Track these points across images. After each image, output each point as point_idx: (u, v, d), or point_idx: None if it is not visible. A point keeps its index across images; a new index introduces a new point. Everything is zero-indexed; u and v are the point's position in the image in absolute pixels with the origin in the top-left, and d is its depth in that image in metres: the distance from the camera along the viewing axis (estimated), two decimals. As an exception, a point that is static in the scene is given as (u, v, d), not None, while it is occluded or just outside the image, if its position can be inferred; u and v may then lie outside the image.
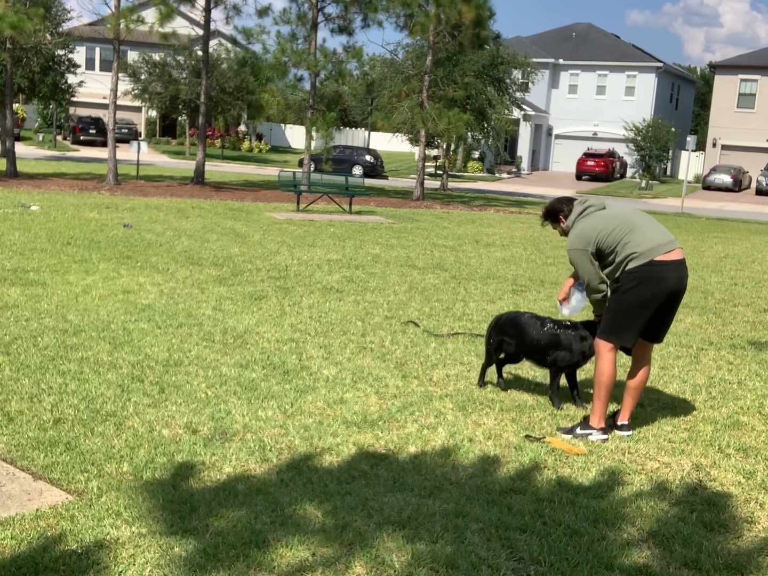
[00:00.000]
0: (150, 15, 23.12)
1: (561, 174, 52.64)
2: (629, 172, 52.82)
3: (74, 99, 38.38)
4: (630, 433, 5.05)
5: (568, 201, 5.17)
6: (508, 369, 6.38)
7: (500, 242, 15.92)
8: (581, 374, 5.76)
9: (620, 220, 4.92)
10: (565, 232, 5.14)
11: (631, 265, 4.79)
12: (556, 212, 5.16)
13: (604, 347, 4.92)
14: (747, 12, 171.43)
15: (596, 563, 3.47)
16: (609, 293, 5.00)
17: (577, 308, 5.56)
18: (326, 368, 6.16)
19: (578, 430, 4.92)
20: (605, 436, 4.92)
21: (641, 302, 4.81)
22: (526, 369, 6.50)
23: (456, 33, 25.24)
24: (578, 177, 49.18)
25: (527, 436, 4.91)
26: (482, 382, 5.95)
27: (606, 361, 4.90)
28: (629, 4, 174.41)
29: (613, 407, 5.31)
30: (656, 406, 5.74)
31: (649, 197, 40.20)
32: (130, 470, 4.14)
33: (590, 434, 4.89)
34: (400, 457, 4.52)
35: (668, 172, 54.83)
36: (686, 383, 6.40)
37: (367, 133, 54.77)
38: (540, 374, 6.31)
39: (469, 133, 36.35)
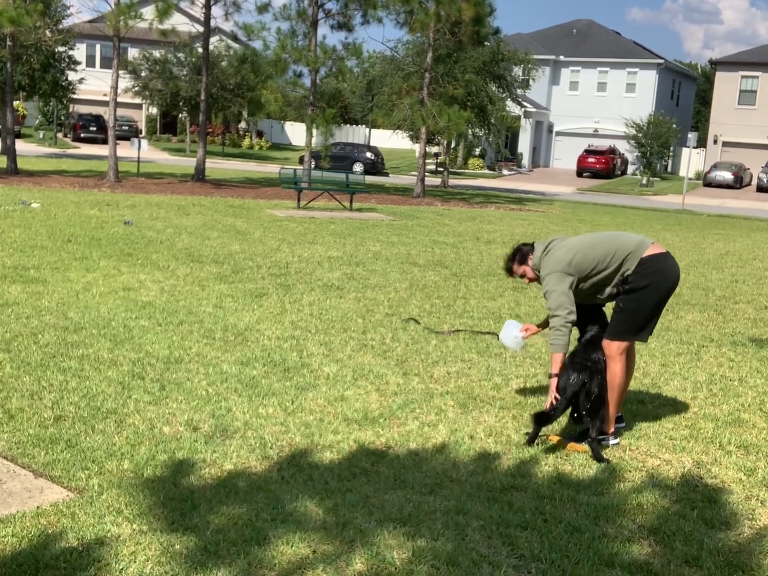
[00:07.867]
0: (149, 12, 23.08)
1: (562, 171, 52.63)
2: (630, 168, 52.77)
3: (75, 96, 38.38)
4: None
5: (525, 243, 5.19)
6: (510, 368, 6.37)
7: (501, 239, 15.91)
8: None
9: (591, 238, 4.98)
10: (534, 273, 5.06)
11: (632, 267, 4.76)
12: (522, 251, 5.10)
13: (617, 350, 4.87)
14: (747, 9, 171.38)
15: (597, 560, 3.47)
16: (618, 297, 4.88)
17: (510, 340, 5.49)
18: (327, 365, 6.16)
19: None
20: (617, 440, 4.92)
21: (659, 296, 4.82)
22: (527, 367, 6.50)
23: (456, 30, 25.21)
24: (579, 174, 49.14)
25: (528, 434, 4.91)
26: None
27: (619, 364, 4.88)
28: (630, 1, 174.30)
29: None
30: (657, 403, 5.74)
31: (650, 194, 40.17)
32: (131, 467, 4.14)
33: (604, 440, 4.88)
34: (401, 455, 4.52)
35: (669, 169, 54.81)
36: (687, 380, 6.40)
37: (367, 130, 54.77)
38: (540, 372, 6.32)
39: (470, 131, 36.32)
